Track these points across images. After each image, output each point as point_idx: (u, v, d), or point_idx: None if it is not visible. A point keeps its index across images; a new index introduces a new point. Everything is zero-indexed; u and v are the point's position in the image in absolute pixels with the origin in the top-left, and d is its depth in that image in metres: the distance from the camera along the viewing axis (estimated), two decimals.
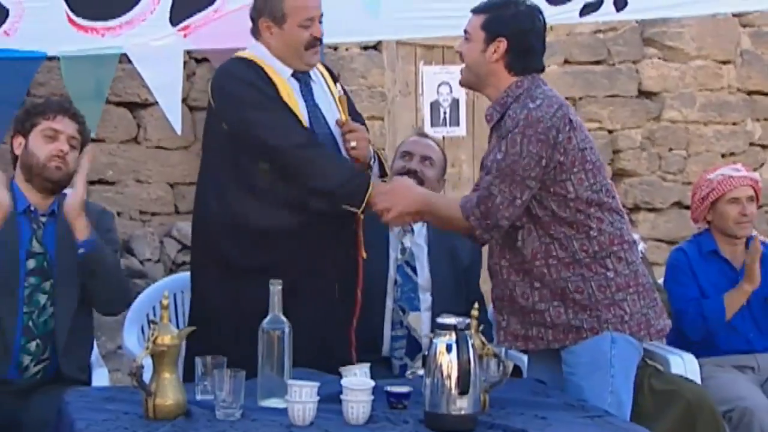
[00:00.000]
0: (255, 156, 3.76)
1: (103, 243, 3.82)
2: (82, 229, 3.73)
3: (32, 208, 3.84)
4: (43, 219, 3.86)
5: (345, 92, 4.02)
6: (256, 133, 3.73)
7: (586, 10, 4.91)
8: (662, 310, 3.64)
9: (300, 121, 3.78)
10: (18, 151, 3.88)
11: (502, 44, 3.52)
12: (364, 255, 3.96)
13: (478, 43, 3.56)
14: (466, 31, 3.62)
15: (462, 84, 3.75)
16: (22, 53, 4.27)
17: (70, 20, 4.27)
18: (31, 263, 3.80)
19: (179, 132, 4.63)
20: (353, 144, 3.83)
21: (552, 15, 4.87)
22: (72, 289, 3.82)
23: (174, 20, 4.39)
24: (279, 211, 3.75)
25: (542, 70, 3.64)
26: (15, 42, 4.21)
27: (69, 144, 3.84)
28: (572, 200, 3.47)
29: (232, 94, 3.79)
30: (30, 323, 3.77)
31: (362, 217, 3.85)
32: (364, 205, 3.74)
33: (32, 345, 3.77)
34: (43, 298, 3.79)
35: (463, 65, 3.65)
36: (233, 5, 4.39)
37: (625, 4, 4.91)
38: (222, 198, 3.81)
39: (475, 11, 3.62)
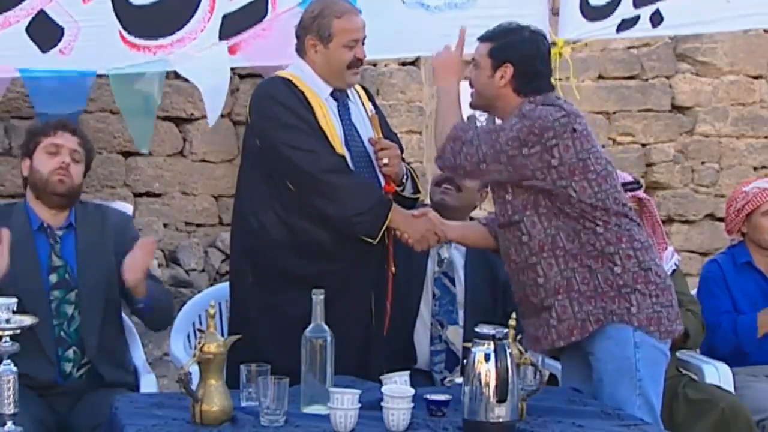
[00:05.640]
0: (283, 176, 3.82)
1: (157, 290, 3.94)
2: (141, 291, 3.86)
3: (46, 225, 3.90)
4: (60, 233, 3.92)
5: (377, 110, 4.07)
6: (287, 155, 3.79)
7: (623, 26, 4.92)
8: (677, 316, 3.66)
9: (331, 146, 3.83)
10: (26, 173, 3.96)
11: (508, 69, 3.64)
12: (393, 270, 4.00)
13: (485, 70, 3.68)
14: (474, 59, 3.73)
15: (472, 107, 3.85)
16: (75, 72, 4.32)
17: (124, 39, 4.31)
18: (53, 277, 3.87)
19: (220, 112, 4.59)
20: (385, 161, 3.89)
21: (589, 31, 4.94)
22: (97, 298, 3.90)
23: (223, 38, 4.41)
24: (310, 225, 3.81)
25: (551, 90, 3.73)
26: (70, 60, 4.25)
27: (71, 157, 3.90)
28: (576, 202, 3.54)
29: (267, 114, 3.85)
30: (62, 333, 3.84)
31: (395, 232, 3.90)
32: (380, 235, 3.80)
33: (69, 353, 3.85)
34: (69, 309, 3.87)
35: (472, 90, 3.76)
36: (281, 23, 4.41)
37: (661, 19, 4.91)
38: (256, 210, 3.87)
39: (482, 39, 3.74)
